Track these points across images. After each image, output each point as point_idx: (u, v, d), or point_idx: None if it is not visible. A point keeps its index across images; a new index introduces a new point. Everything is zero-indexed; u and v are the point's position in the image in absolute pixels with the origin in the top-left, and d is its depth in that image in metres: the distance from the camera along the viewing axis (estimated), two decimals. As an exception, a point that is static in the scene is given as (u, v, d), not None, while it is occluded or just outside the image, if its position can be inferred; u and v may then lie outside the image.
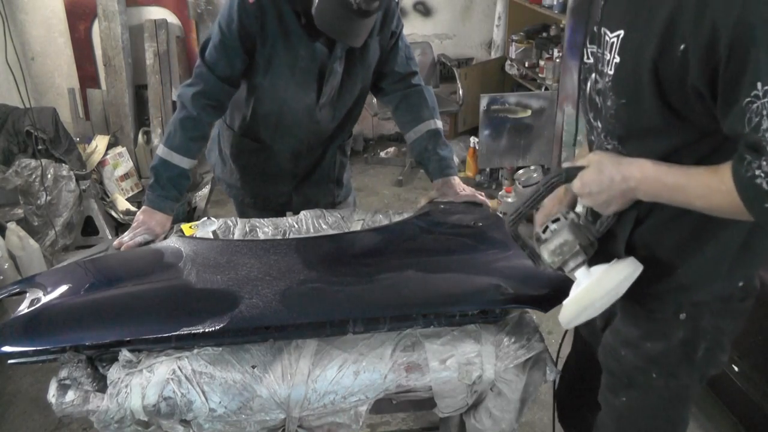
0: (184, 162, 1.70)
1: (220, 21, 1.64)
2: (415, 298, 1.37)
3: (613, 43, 1.00)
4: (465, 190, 1.83)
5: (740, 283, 1.13)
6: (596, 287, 1.08)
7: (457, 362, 1.26)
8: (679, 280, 1.11)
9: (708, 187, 0.95)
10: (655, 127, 1.00)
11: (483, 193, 1.85)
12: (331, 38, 1.62)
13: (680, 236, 1.09)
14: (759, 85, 0.84)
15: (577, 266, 1.11)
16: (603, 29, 1.04)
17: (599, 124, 1.12)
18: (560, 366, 1.57)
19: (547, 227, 1.14)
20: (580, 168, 1.08)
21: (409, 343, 1.29)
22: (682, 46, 0.89)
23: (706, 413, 2.25)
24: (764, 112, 0.84)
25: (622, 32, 0.99)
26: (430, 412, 1.42)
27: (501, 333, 1.32)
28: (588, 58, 1.11)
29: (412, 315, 1.33)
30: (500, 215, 1.78)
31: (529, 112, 3.91)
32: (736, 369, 2.05)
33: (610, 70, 1.01)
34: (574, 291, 1.11)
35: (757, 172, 0.87)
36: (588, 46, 1.10)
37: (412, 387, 1.25)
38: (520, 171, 3.80)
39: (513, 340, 1.30)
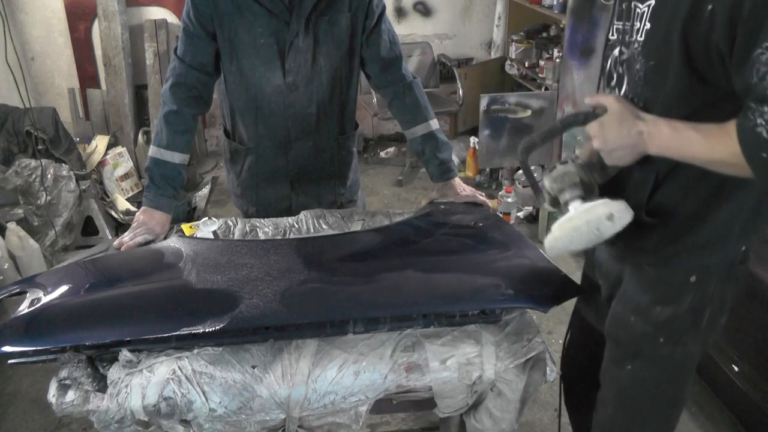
0: (174, 157, 1.72)
1: (183, 14, 1.71)
2: (416, 298, 1.37)
3: (643, 12, 1.08)
4: (465, 191, 1.83)
5: (743, 248, 1.20)
6: (583, 214, 1.12)
7: (458, 362, 1.26)
8: (695, 240, 1.16)
9: (714, 139, 0.99)
10: (680, 90, 1.05)
11: (483, 194, 1.86)
12: (287, 11, 1.64)
13: (698, 200, 1.14)
14: None
15: (572, 199, 1.15)
16: (633, 3, 1.11)
17: (620, 93, 1.18)
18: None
19: (555, 166, 1.19)
20: (598, 115, 1.13)
21: (409, 343, 1.29)
22: (710, 6, 0.94)
23: (706, 413, 2.25)
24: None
25: (653, 2, 1.07)
26: (430, 412, 1.42)
27: (501, 333, 1.32)
28: (612, 34, 1.20)
29: (413, 315, 1.33)
30: (500, 215, 1.78)
31: (529, 112, 3.91)
32: (736, 369, 2.05)
33: (640, 36, 1.09)
34: (576, 211, 1.15)
35: (759, 121, 0.91)
36: (615, 23, 1.18)
37: (412, 387, 1.25)
38: (520, 171, 3.80)
39: (513, 340, 1.30)
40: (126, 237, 1.63)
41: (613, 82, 1.21)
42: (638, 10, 1.09)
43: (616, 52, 1.17)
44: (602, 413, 1.43)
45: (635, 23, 1.10)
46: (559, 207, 1.18)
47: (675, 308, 1.21)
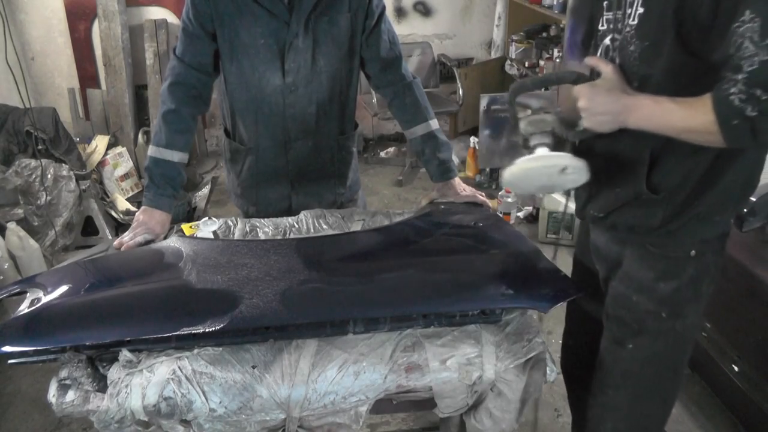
0: (174, 156, 1.72)
1: (183, 14, 1.71)
2: (416, 298, 1.37)
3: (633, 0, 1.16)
4: (465, 191, 1.83)
5: (732, 220, 1.30)
6: (541, 159, 1.22)
7: (458, 362, 1.26)
8: (697, 213, 1.23)
9: (691, 108, 1.06)
10: (673, 65, 1.12)
11: (483, 194, 1.86)
12: (287, 12, 1.65)
13: (697, 174, 1.20)
14: (747, 12, 0.97)
15: (541, 144, 1.24)
16: None
17: None
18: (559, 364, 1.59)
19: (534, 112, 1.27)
20: (589, 79, 1.21)
21: (409, 344, 1.29)
22: None
23: (706, 413, 2.25)
24: (747, 35, 0.97)
25: None
26: (430, 413, 1.42)
27: (501, 333, 1.32)
28: (602, 25, 1.27)
29: (413, 315, 1.33)
30: (500, 215, 1.78)
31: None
32: (736, 369, 2.05)
33: (633, 21, 1.16)
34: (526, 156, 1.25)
35: (733, 89, 0.98)
36: (604, 15, 1.25)
37: (412, 387, 1.25)
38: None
39: (513, 340, 1.30)
40: (126, 237, 1.63)
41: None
42: None
43: (608, 40, 1.24)
44: (602, 397, 1.46)
45: (627, 10, 1.17)
46: (529, 149, 1.26)
47: (677, 282, 1.28)
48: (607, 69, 1.19)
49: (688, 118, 1.06)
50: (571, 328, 1.66)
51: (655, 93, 1.13)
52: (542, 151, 1.23)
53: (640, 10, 1.14)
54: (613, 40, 1.24)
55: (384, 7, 1.80)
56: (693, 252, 1.26)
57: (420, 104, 1.84)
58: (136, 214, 1.71)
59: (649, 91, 1.15)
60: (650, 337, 1.34)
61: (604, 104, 1.15)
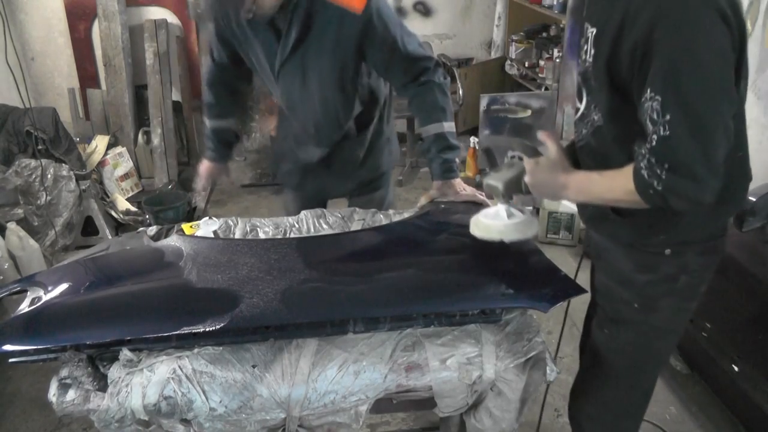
0: (208, 123, 2.07)
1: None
2: (416, 297, 1.37)
3: (589, 37, 1.19)
4: (465, 190, 1.83)
5: (719, 225, 1.31)
6: (480, 227, 1.39)
7: (458, 362, 1.26)
8: (668, 237, 1.26)
9: (614, 180, 1.15)
10: (614, 107, 1.18)
11: (483, 193, 1.85)
12: (276, 42, 1.74)
13: None
14: (649, 89, 1.03)
15: (498, 202, 1.39)
16: (587, 24, 1.21)
17: (584, 103, 1.30)
18: (560, 364, 1.60)
19: (512, 157, 1.36)
20: (540, 153, 1.29)
21: (409, 343, 1.29)
22: (624, 47, 1.07)
23: (706, 413, 2.25)
24: (648, 112, 1.03)
25: (596, 29, 1.16)
26: (430, 412, 1.42)
27: (501, 333, 1.32)
28: (581, 49, 1.28)
29: (413, 315, 1.33)
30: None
31: (529, 112, 3.91)
32: (736, 369, 2.05)
33: (590, 58, 1.19)
34: (488, 217, 1.40)
35: (642, 163, 1.06)
36: (582, 39, 1.27)
37: (412, 387, 1.26)
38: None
39: (513, 340, 1.30)
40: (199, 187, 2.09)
41: (582, 92, 1.30)
42: (588, 32, 1.19)
43: (581, 66, 1.28)
44: (580, 378, 1.56)
45: (587, 45, 1.21)
46: (494, 203, 1.43)
47: (652, 276, 1.31)
48: (552, 148, 1.26)
49: (612, 189, 1.15)
50: (590, 313, 1.69)
51: (617, 129, 1.18)
52: (500, 209, 1.38)
53: (592, 50, 1.18)
54: (579, 66, 1.27)
55: (394, 39, 1.72)
56: (668, 251, 1.28)
57: (438, 105, 1.83)
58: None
59: (607, 124, 1.20)
60: (623, 327, 1.38)
61: (543, 181, 1.26)
